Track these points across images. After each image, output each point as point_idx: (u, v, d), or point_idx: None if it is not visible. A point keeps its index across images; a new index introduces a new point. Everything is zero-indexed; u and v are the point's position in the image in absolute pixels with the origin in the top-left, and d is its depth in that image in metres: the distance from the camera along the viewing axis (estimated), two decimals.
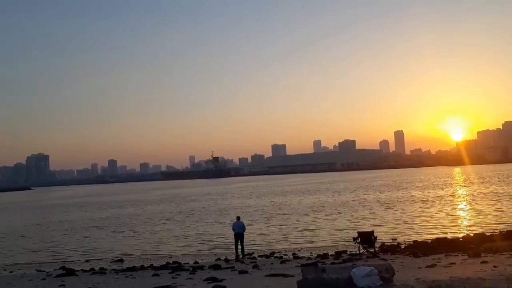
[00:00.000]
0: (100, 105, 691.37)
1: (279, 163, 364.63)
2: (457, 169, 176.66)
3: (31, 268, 23.47)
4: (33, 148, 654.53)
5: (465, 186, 74.76)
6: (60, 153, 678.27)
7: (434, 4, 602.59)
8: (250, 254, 24.17)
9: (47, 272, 21.02)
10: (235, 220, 24.94)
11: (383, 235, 27.14)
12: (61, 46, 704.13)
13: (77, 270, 21.15)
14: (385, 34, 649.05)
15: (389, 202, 50.68)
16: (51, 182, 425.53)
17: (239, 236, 23.93)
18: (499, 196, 51.49)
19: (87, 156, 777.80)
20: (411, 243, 23.71)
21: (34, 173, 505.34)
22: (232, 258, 22.96)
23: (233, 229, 24.42)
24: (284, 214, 44.69)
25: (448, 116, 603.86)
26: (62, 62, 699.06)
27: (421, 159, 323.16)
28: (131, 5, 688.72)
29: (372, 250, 21.96)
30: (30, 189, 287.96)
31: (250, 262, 21.01)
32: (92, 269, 21.58)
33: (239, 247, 23.95)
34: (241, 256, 23.34)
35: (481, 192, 58.57)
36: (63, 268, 21.96)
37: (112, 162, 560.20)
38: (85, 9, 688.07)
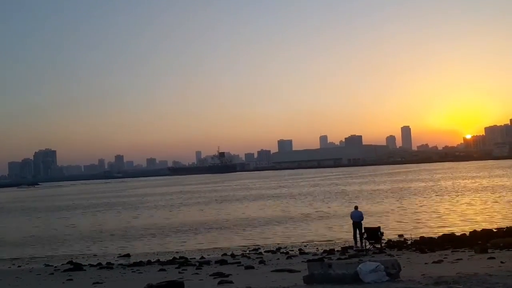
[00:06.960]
0: (107, 101, 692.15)
1: (285, 158, 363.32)
2: (464, 165, 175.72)
3: (39, 263, 23.68)
4: (40, 144, 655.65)
5: (473, 181, 74.35)
6: (68, 149, 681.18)
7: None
8: (257, 249, 24.20)
9: (55, 267, 21.18)
10: (353, 209, 24.96)
11: (390, 231, 27.11)
12: (67, 42, 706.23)
13: (85, 265, 21.31)
14: (392, 29, 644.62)
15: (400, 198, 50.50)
16: (59, 177, 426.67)
17: (357, 225, 23.98)
18: (504, 191, 51.27)
19: (94, 151, 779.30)
20: (418, 239, 23.68)
21: (42, 169, 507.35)
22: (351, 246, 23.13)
23: (351, 218, 24.51)
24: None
25: (455, 112, 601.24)
26: (69, 58, 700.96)
27: (428, 155, 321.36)
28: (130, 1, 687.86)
29: (379, 246, 21.98)
30: (38, 184, 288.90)
31: (257, 258, 21.07)
32: (100, 263, 21.71)
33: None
34: (359, 245, 23.11)
35: (487, 187, 58.29)
36: (70, 262, 22.12)
37: (119, 158, 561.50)
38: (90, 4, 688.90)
